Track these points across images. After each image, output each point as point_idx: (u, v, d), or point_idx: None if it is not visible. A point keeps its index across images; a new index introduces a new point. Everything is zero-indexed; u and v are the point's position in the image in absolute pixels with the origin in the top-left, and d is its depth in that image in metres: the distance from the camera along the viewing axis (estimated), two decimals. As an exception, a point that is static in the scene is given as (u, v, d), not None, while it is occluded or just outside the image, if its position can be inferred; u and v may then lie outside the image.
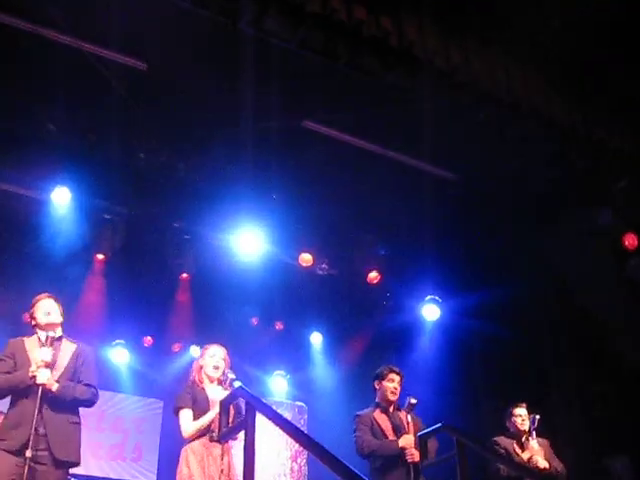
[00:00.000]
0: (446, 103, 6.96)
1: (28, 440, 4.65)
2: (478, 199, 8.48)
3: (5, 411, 5.84)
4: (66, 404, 5.02)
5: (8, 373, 4.97)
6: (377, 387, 6.27)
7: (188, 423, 5.37)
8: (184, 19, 6.19)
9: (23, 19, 6.37)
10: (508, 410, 6.89)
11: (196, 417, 5.40)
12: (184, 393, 5.56)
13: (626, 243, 8.00)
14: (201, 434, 5.33)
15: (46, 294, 5.37)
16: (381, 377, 6.24)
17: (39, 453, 4.76)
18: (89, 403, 5.21)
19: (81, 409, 5.21)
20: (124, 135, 7.74)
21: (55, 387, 4.92)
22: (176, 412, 5.49)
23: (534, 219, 8.46)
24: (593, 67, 6.95)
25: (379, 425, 6.05)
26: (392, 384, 6.18)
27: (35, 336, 5.19)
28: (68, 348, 5.21)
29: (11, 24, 6.37)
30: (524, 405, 6.86)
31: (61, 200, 8.21)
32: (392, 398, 6.18)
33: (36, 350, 5.03)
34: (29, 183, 8.20)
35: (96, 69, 6.80)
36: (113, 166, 8.02)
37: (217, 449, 5.18)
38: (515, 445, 6.68)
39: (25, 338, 5.20)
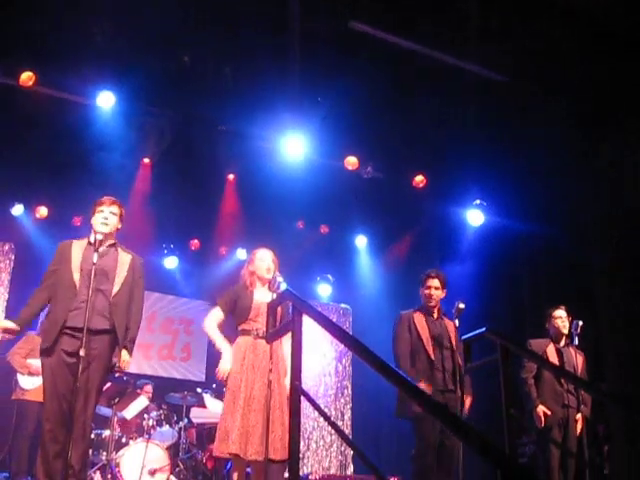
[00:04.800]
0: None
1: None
2: (526, 101, 8.29)
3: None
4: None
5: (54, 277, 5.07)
6: (420, 293, 6.29)
7: (212, 321, 5.58)
8: None
9: None
10: (547, 312, 6.95)
11: (237, 317, 5.57)
12: (227, 293, 5.70)
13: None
14: (244, 334, 5.49)
15: (110, 199, 5.30)
16: (420, 284, 6.26)
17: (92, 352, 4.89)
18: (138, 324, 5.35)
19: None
20: (168, 39, 7.66)
21: (127, 365, 5.10)
22: (213, 306, 5.69)
23: (583, 121, 8.25)
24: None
25: (416, 327, 6.08)
26: (428, 290, 6.18)
27: (86, 239, 5.23)
28: (125, 259, 5.24)
29: None
30: (563, 307, 6.90)
31: (106, 104, 8.23)
32: (429, 304, 6.19)
33: (77, 252, 5.11)
34: (74, 88, 8.19)
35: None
36: (157, 70, 7.96)
37: (263, 347, 5.31)
38: (552, 346, 6.74)
39: (75, 240, 5.24)
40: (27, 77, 7.81)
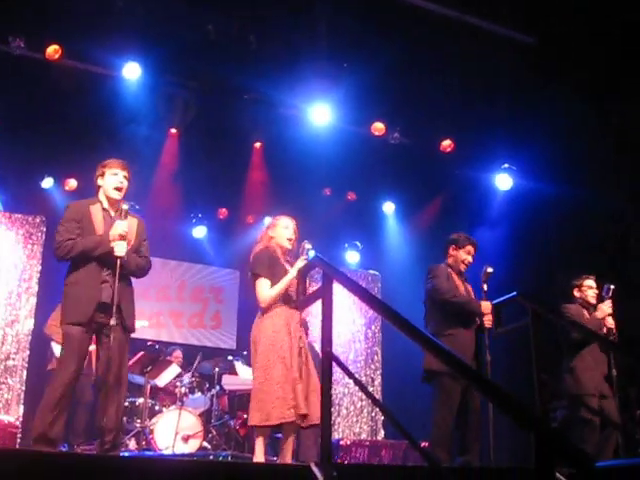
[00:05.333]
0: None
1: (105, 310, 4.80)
2: (554, 64, 8.16)
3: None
4: (129, 274, 5.08)
5: (78, 236, 4.95)
6: (452, 253, 6.09)
7: (266, 292, 5.28)
8: None
9: None
10: (577, 282, 6.83)
11: (273, 284, 5.31)
12: (262, 263, 5.40)
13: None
14: (282, 303, 5.31)
15: (122, 163, 5.18)
16: (458, 244, 6.07)
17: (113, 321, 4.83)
18: (144, 272, 5.26)
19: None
20: (192, 8, 7.62)
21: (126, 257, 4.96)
22: (254, 278, 5.41)
23: (611, 82, 8.12)
24: None
25: (454, 281, 5.94)
26: (468, 256, 6.04)
27: (98, 203, 5.13)
28: (132, 224, 5.15)
29: None
30: (592, 277, 6.80)
31: (132, 76, 8.25)
32: (463, 269, 6.11)
33: (98, 219, 5.03)
34: (100, 60, 8.21)
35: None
36: (181, 40, 7.94)
37: (297, 316, 5.29)
38: (585, 312, 6.65)
39: (90, 205, 5.12)
40: (53, 50, 7.83)
